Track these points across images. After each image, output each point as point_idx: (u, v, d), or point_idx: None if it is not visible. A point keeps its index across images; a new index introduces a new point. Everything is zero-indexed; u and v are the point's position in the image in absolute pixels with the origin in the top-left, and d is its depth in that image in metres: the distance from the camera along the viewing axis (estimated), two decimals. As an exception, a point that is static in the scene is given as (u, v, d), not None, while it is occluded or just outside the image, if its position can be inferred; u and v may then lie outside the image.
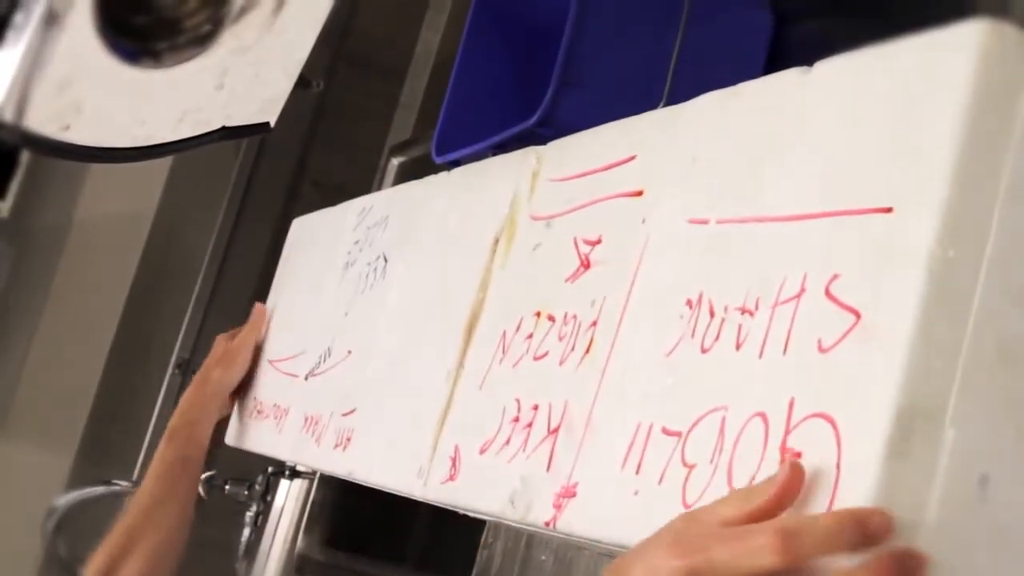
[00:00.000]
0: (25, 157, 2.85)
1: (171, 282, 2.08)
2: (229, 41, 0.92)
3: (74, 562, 1.54)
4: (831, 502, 0.49)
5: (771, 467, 0.52)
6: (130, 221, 2.22)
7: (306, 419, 1.14)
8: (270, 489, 1.55)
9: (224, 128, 0.96)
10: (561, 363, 0.74)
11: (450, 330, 0.91)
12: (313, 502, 1.49)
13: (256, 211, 1.63)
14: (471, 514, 0.83)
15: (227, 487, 1.59)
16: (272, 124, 1.00)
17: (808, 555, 0.47)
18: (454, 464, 0.83)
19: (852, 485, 0.48)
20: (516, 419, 0.77)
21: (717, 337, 0.60)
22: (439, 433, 0.87)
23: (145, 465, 1.95)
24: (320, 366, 1.17)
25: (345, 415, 1.05)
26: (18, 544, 2.05)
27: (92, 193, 2.58)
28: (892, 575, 0.46)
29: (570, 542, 0.92)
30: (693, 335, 0.62)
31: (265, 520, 1.55)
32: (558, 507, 0.69)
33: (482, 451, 0.80)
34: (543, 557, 1.03)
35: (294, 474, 1.49)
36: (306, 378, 1.18)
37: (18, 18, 0.80)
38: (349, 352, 1.11)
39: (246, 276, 2.04)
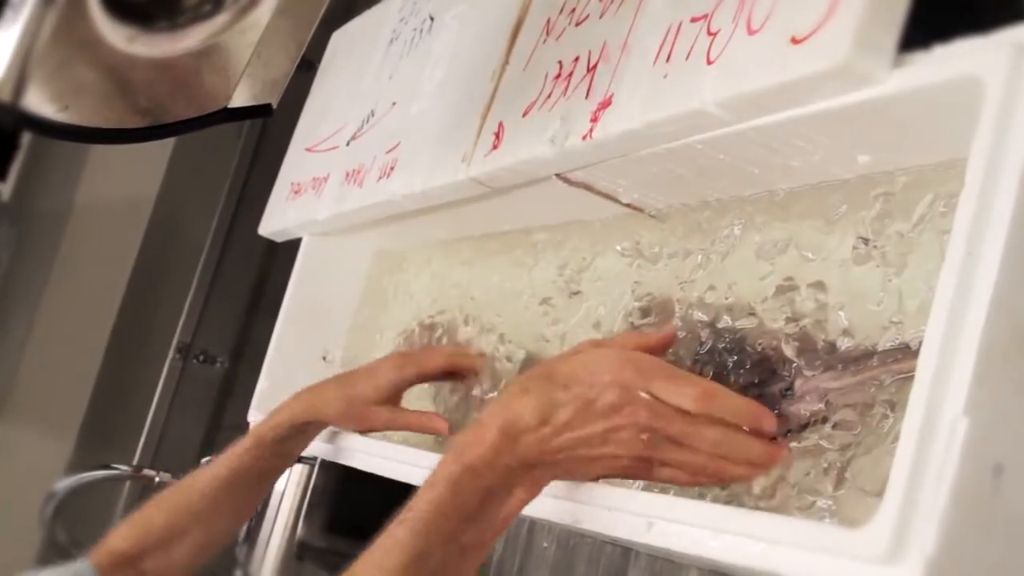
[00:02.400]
0: (26, 139, 2.84)
1: (172, 265, 2.07)
2: (230, 22, 0.91)
3: (73, 546, 1.53)
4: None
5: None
6: (131, 204, 2.21)
7: (347, 174, 1.18)
8: (271, 474, 1.54)
9: (226, 110, 0.95)
10: (601, 16, 0.81)
11: (496, 38, 0.96)
12: (314, 488, 1.48)
13: (258, 194, 1.62)
14: (511, 178, 0.88)
15: (227, 472, 1.58)
16: (274, 106, 0.99)
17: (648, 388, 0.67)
18: (497, 136, 0.89)
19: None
20: (558, 76, 0.83)
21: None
22: (482, 123, 0.91)
23: (145, 449, 1.96)
24: (362, 128, 1.20)
25: (389, 151, 1.09)
26: (17, 528, 2.05)
27: (93, 176, 2.57)
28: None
29: (572, 530, 0.92)
30: None
31: (265, 506, 1.54)
32: (595, 119, 0.76)
33: (525, 113, 0.86)
34: (545, 544, 1.02)
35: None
36: (348, 143, 1.22)
37: (16, -4, 0.79)
38: (393, 104, 1.14)
39: (247, 260, 2.03)
